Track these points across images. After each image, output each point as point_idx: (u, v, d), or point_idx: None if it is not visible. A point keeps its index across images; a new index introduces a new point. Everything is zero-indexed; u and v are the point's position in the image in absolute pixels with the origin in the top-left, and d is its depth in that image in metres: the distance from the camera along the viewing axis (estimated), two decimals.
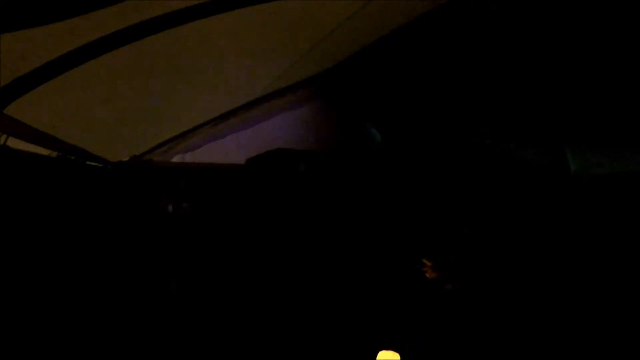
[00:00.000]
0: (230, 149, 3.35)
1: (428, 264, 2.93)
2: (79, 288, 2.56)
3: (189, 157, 3.31)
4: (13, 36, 1.62)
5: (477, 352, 2.79)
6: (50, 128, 2.34)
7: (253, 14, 2.27)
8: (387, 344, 2.76)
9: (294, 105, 3.47)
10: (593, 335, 2.64)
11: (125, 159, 2.97)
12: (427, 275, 2.92)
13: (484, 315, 2.83)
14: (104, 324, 2.60)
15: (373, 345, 2.80)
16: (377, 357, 2.69)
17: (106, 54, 2.01)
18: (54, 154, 2.60)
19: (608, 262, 2.72)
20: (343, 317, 2.97)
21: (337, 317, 2.97)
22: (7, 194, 2.35)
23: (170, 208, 2.96)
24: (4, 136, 2.23)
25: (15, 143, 2.34)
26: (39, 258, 2.46)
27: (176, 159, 3.28)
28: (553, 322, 2.73)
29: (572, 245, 2.79)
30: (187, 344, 2.80)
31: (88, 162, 2.77)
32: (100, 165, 2.83)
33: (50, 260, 2.50)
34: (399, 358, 2.69)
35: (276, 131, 3.42)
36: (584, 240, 2.78)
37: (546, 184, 2.96)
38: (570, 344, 2.67)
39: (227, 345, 2.85)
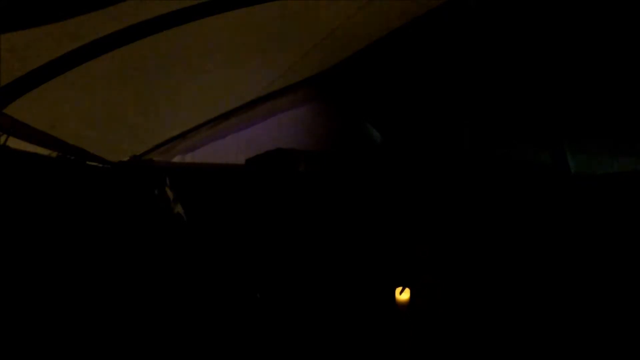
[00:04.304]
0: (230, 149, 3.35)
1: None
2: (78, 287, 2.56)
3: (189, 157, 3.31)
4: (13, 36, 1.63)
5: (476, 353, 2.79)
6: (50, 128, 2.34)
7: (253, 14, 2.27)
8: None
9: (294, 105, 3.47)
10: (593, 335, 2.64)
11: (125, 159, 2.97)
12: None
13: (482, 317, 2.83)
14: (104, 323, 2.60)
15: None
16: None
17: (106, 54, 2.01)
18: (54, 154, 2.60)
19: (608, 263, 2.72)
20: (340, 315, 2.97)
21: (335, 317, 2.97)
22: (8, 193, 2.36)
23: (170, 208, 2.96)
24: (4, 136, 2.24)
25: (15, 143, 2.34)
26: (39, 257, 2.46)
27: (176, 159, 3.28)
28: (552, 322, 2.73)
29: (572, 246, 2.79)
30: (186, 343, 2.80)
31: (88, 162, 2.77)
32: (100, 165, 2.83)
33: (51, 259, 2.50)
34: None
35: (276, 131, 3.42)
36: (584, 240, 2.78)
37: (546, 184, 2.96)
38: (570, 344, 2.67)
39: (226, 345, 2.85)
